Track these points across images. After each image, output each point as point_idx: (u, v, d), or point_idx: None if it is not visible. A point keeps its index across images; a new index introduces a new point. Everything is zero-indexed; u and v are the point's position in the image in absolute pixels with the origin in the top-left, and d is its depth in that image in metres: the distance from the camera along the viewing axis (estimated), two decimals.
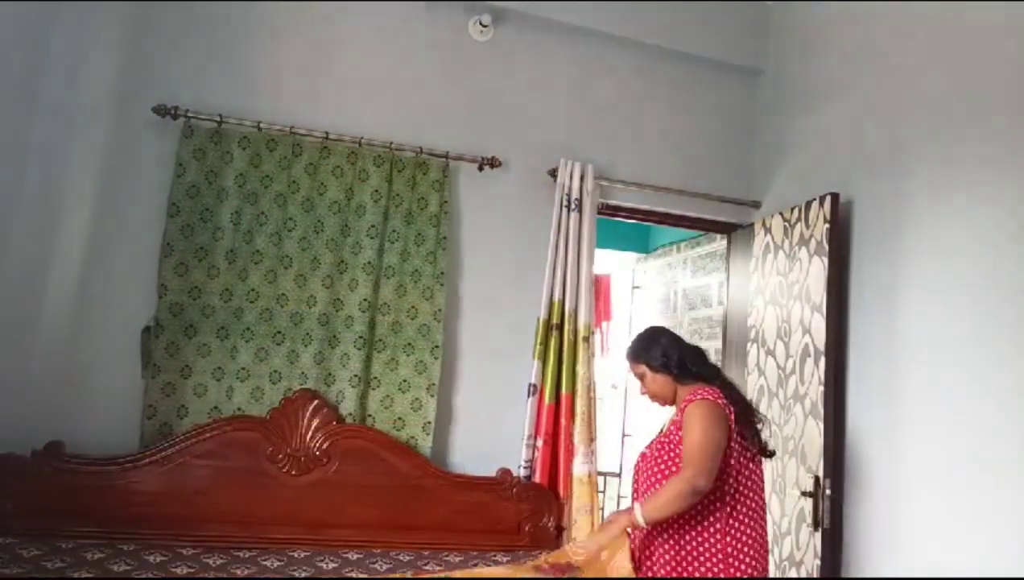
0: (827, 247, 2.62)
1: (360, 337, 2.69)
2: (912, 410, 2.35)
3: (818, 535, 2.49)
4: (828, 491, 2.48)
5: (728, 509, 1.90)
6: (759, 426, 2.01)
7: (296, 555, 2.33)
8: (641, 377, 2.12)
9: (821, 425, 2.52)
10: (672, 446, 1.96)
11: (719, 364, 2.73)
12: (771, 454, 2.06)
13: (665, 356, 2.04)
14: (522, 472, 2.78)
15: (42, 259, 2.44)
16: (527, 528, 2.67)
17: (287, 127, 2.67)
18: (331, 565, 2.28)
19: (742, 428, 1.93)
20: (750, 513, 1.92)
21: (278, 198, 2.67)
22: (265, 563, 2.24)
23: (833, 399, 2.53)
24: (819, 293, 2.62)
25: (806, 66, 3.13)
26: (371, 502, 2.56)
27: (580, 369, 2.88)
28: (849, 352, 2.65)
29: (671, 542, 1.93)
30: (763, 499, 1.98)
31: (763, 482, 2.00)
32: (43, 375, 2.42)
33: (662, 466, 1.96)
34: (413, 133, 2.87)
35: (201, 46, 2.69)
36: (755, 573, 1.89)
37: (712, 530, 1.89)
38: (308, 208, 2.71)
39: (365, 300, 2.72)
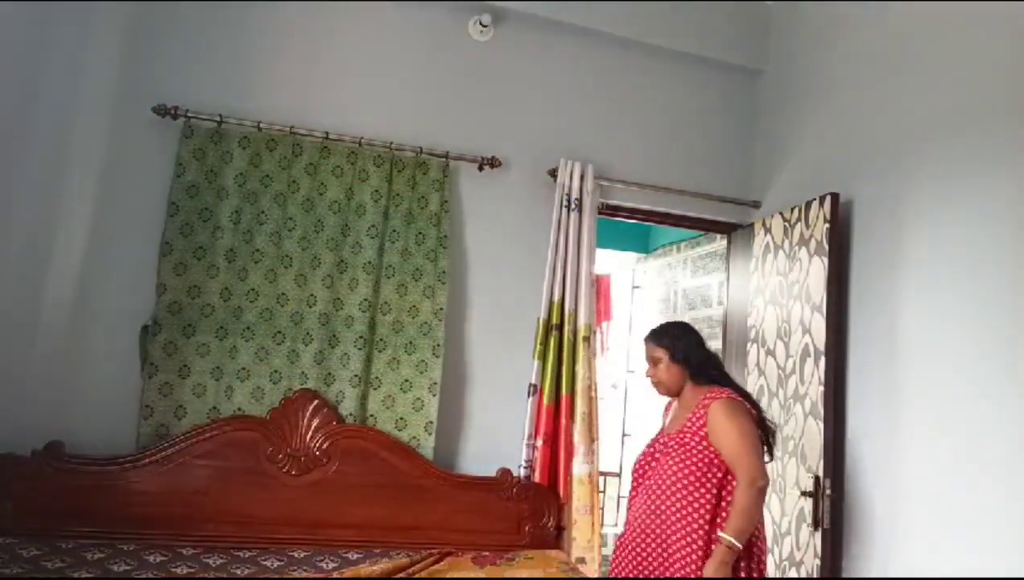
0: (827, 247, 2.62)
1: (360, 337, 2.69)
2: (912, 410, 2.35)
3: (818, 535, 2.49)
4: (828, 491, 2.48)
5: (714, 501, 1.93)
6: (771, 429, 2.08)
7: (296, 555, 2.33)
8: (656, 361, 2.17)
9: (821, 425, 2.52)
10: (691, 446, 1.99)
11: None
12: (771, 458, 2.10)
13: (690, 351, 2.11)
14: (522, 472, 2.78)
15: (42, 258, 2.45)
16: (527, 528, 2.67)
17: (287, 127, 2.67)
18: (331, 565, 2.28)
19: (759, 429, 2.01)
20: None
21: (278, 198, 2.67)
22: (265, 563, 2.24)
23: (833, 399, 2.53)
24: (819, 293, 2.62)
25: (806, 66, 3.13)
26: (371, 502, 2.56)
27: (580, 369, 2.87)
28: (849, 352, 2.65)
29: (656, 543, 1.99)
30: None
31: None
32: (43, 375, 2.41)
33: (682, 466, 1.97)
34: (413, 133, 2.87)
35: (201, 46, 2.69)
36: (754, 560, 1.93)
37: (700, 522, 1.92)
38: (308, 208, 2.71)
39: (365, 300, 2.71)
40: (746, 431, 1.95)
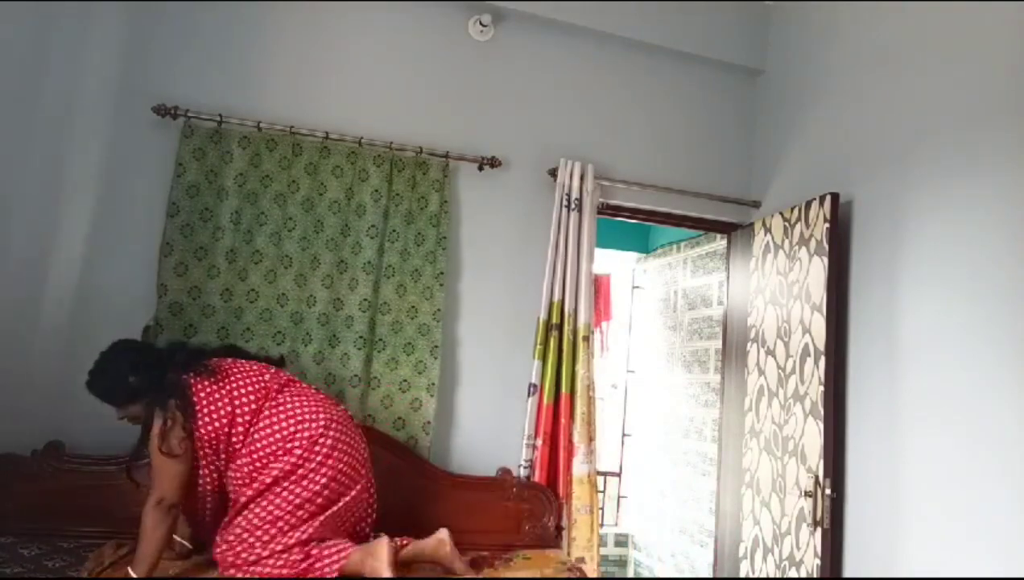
0: (827, 247, 2.62)
1: (360, 337, 2.69)
2: (912, 409, 2.35)
3: (818, 535, 2.49)
4: (828, 491, 2.48)
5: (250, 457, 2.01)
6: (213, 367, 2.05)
7: None
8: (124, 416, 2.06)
9: (821, 425, 2.52)
10: None
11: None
12: (275, 360, 2.27)
13: (116, 389, 2.00)
14: (522, 472, 2.78)
15: (42, 259, 2.45)
16: (527, 528, 2.67)
17: (287, 127, 2.67)
18: None
19: (190, 406, 1.98)
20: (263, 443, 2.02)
21: (278, 198, 2.67)
22: None
23: (833, 399, 2.53)
24: (819, 293, 2.62)
25: (806, 66, 3.13)
26: None
27: (579, 369, 2.88)
28: (849, 352, 2.65)
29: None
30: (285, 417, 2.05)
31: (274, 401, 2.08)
32: (43, 375, 2.42)
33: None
34: (413, 133, 2.88)
35: (201, 46, 2.69)
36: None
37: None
38: (308, 208, 2.71)
39: (365, 300, 2.72)
40: (163, 450, 1.92)
